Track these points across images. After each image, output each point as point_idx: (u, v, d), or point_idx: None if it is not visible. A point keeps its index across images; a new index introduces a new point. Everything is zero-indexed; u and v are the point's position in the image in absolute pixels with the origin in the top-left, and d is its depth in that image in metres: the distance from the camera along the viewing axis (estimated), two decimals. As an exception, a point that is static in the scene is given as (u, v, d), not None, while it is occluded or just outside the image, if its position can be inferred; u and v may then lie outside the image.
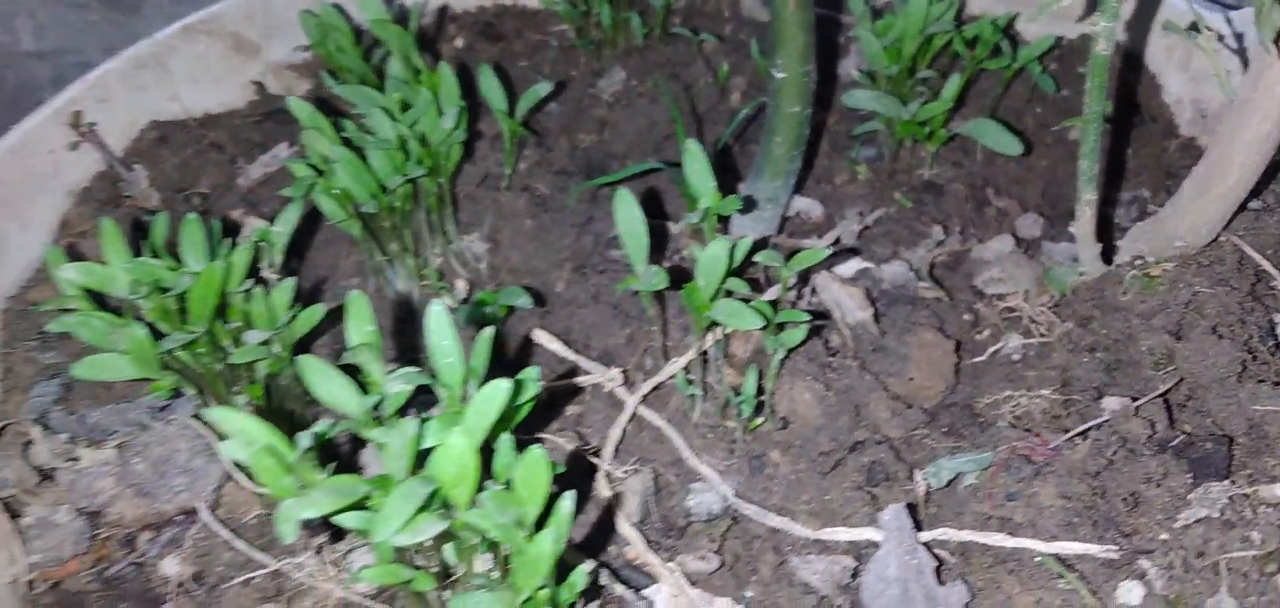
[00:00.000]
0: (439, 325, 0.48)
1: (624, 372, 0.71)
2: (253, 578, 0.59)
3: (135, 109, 0.87)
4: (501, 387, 0.43)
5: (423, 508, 0.43)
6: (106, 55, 0.87)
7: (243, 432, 0.43)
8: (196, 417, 0.63)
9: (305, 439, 0.44)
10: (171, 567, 0.60)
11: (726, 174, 0.88)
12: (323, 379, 0.49)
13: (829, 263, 0.76)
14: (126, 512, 0.61)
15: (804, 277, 0.75)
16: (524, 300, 0.74)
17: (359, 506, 0.46)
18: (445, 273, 0.80)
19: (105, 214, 0.82)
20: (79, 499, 0.62)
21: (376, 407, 0.48)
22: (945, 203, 0.85)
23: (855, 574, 0.59)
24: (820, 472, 0.64)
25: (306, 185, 0.69)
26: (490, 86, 0.82)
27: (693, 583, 0.60)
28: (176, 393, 0.62)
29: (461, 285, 0.79)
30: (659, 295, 0.71)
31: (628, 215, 0.63)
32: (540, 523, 0.44)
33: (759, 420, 0.66)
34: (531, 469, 0.43)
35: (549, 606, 0.45)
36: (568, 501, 0.43)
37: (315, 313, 0.59)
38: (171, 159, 0.87)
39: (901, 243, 0.80)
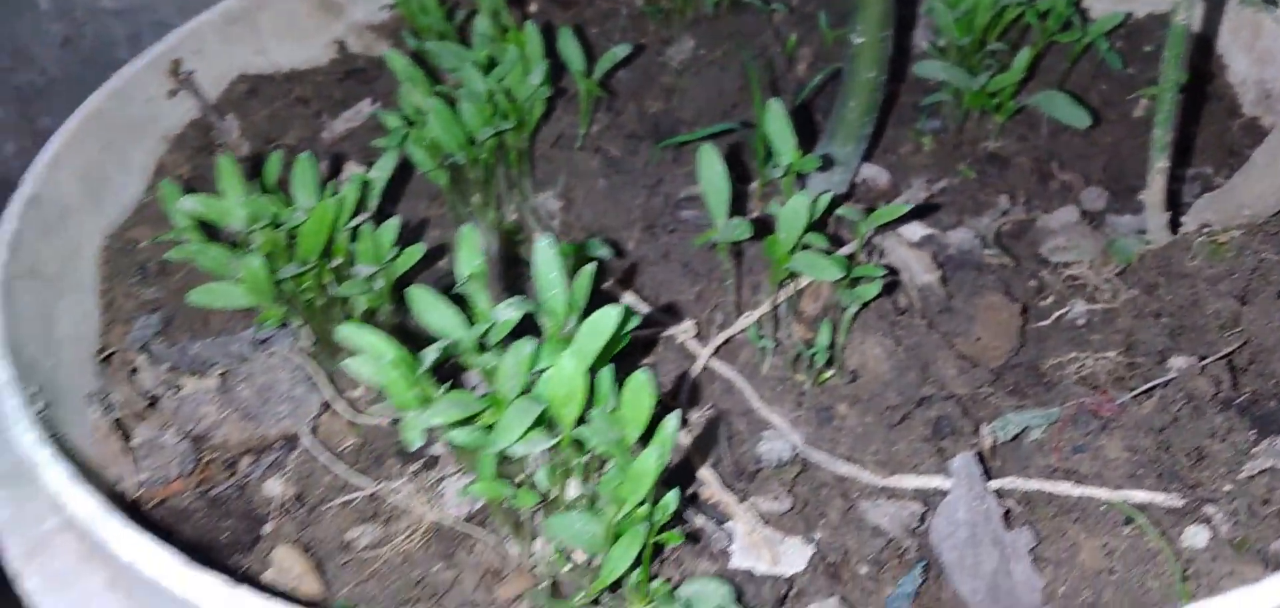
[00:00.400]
0: (546, 259, 0.51)
1: (696, 324, 0.74)
2: (351, 500, 0.62)
3: (226, 62, 0.91)
4: (611, 314, 0.46)
5: (535, 425, 0.46)
6: (181, 15, 0.91)
7: (373, 347, 0.46)
8: (312, 348, 0.67)
9: (430, 355, 0.47)
10: (275, 488, 0.63)
11: (798, 137, 0.90)
12: (431, 307, 0.52)
13: (896, 227, 0.78)
14: (232, 435, 0.65)
15: (872, 240, 0.77)
16: (603, 252, 0.77)
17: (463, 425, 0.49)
18: (522, 227, 0.83)
19: (199, 160, 0.86)
20: (184, 423, 0.66)
21: (483, 335, 0.51)
22: (1009, 175, 0.86)
23: (923, 519, 0.62)
24: (887, 424, 0.67)
25: (401, 135, 0.72)
26: (569, 48, 0.85)
27: (765, 523, 0.62)
28: (283, 325, 0.65)
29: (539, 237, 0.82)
30: (735, 252, 0.74)
31: (711, 170, 0.65)
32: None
33: (829, 374, 0.68)
34: (635, 393, 0.46)
35: (645, 522, 0.48)
36: (672, 421, 0.46)
37: (416, 251, 0.62)
38: (261, 111, 0.91)
39: (966, 211, 0.82)
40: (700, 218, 0.84)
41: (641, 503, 0.47)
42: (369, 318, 0.67)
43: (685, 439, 0.66)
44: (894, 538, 0.61)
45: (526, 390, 0.48)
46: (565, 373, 0.46)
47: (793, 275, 0.68)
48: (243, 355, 0.70)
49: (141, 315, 0.74)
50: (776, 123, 0.67)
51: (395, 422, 0.66)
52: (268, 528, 0.61)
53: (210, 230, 0.65)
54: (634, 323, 0.49)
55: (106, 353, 0.71)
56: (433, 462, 0.65)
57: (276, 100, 0.92)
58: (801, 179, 0.75)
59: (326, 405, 0.67)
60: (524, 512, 0.57)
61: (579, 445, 0.48)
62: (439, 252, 0.76)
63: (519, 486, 0.52)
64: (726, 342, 0.73)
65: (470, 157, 0.74)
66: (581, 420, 0.48)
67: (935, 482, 0.62)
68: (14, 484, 0.56)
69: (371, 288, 0.62)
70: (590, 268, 0.52)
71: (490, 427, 0.49)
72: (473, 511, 0.62)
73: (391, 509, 0.63)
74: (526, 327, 0.53)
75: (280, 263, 0.62)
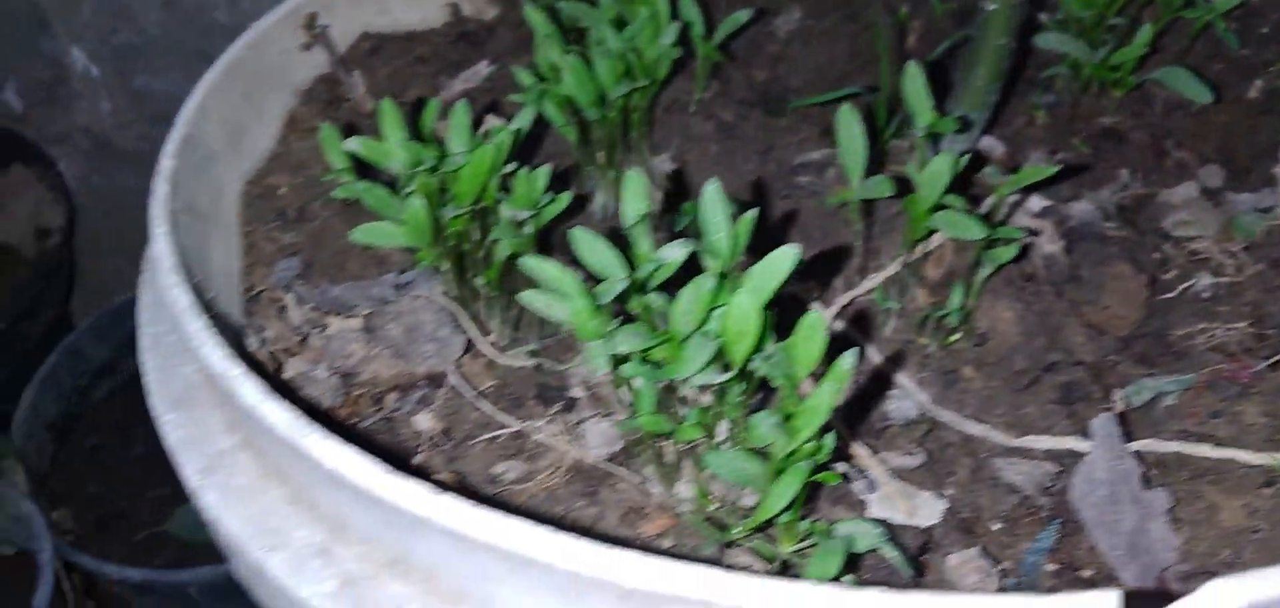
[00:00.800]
0: (713, 200, 0.52)
1: (817, 286, 0.75)
2: (497, 437, 0.65)
3: (351, 20, 0.94)
4: (789, 253, 0.48)
5: (711, 361, 0.48)
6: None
7: (558, 278, 0.48)
8: (455, 292, 0.69)
9: (613, 287, 0.48)
10: (424, 422, 0.65)
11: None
12: (592, 247, 0.54)
13: (1017, 197, 0.79)
14: (381, 372, 0.67)
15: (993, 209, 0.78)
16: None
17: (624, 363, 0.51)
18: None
19: (328, 114, 0.89)
20: (333, 359, 0.69)
21: (649, 275, 0.53)
22: (1125, 151, 0.87)
23: (1056, 479, 0.62)
24: (1014, 388, 0.68)
25: (538, 90, 0.74)
26: (690, 11, 0.86)
27: (896, 477, 0.64)
28: (435, 269, 0.67)
29: (659, 197, 0.84)
30: (865, 212, 0.75)
31: (849, 130, 0.66)
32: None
33: (955, 337, 0.70)
34: (807, 331, 0.48)
35: (808, 460, 0.49)
36: (849, 358, 0.47)
37: (564, 198, 0.64)
38: (383, 69, 0.93)
39: (1084, 185, 0.83)
40: (815, 183, 0.86)
41: (809, 439, 0.48)
42: (510, 264, 0.70)
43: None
44: (1028, 496, 0.62)
45: (699, 328, 0.49)
46: (742, 309, 0.47)
47: (923, 238, 0.69)
48: (384, 298, 0.72)
49: (282, 259, 0.76)
50: (914, 84, 0.68)
51: (537, 365, 0.68)
52: (418, 460, 0.64)
53: (364, 174, 0.67)
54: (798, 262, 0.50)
55: (253, 291, 0.73)
56: (571, 404, 0.67)
57: (397, 59, 0.95)
58: (935, 142, 0.76)
59: (469, 347, 0.69)
60: (669, 453, 0.59)
61: (748, 381, 0.50)
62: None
63: (680, 422, 0.54)
64: (849, 304, 0.74)
65: (600, 115, 0.76)
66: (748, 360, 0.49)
67: (1068, 443, 0.63)
68: (187, 407, 0.59)
69: (521, 233, 0.64)
70: (754, 212, 0.54)
71: (658, 363, 0.51)
72: (614, 451, 0.64)
73: (535, 447, 0.65)
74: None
75: (435, 207, 0.63)
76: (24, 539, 1.19)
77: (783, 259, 0.48)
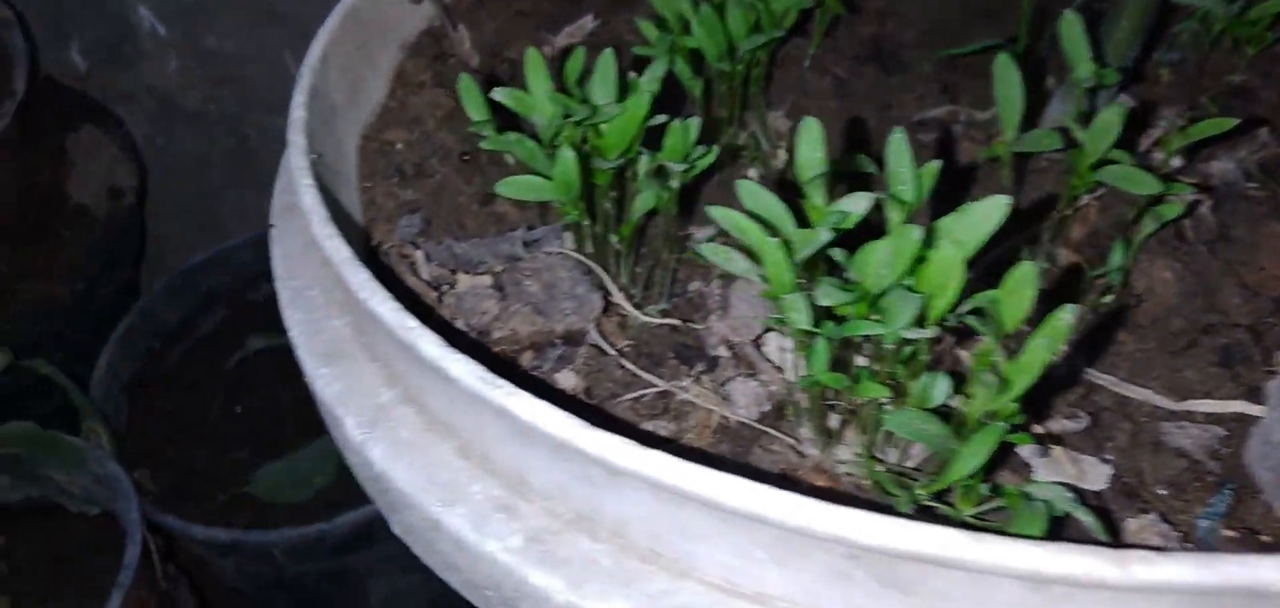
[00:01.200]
0: (898, 151, 0.50)
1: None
2: (642, 396, 0.63)
3: (455, -28, 0.92)
4: (1000, 203, 0.46)
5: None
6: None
7: (747, 230, 0.46)
8: (589, 248, 0.67)
9: (820, 237, 0.47)
10: (567, 380, 0.64)
11: (1038, 65, 0.88)
12: (758, 199, 0.52)
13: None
14: (520, 329, 0.66)
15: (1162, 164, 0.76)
16: (873, 168, 0.76)
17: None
18: (752, 147, 0.83)
19: (436, 68, 0.87)
20: (468, 317, 0.67)
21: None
22: (1257, 109, 0.84)
23: (1225, 442, 0.60)
24: (1171, 351, 0.65)
25: (668, 41, 0.72)
26: (810, -37, 0.84)
27: (1057, 441, 0.62)
28: (575, 225, 0.65)
29: (782, 156, 0.82)
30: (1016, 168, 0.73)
31: (1007, 80, 0.64)
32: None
33: (1108, 298, 0.67)
34: (1018, 283, 0.46)
35: (1005, 422, 0.47)
36: (1067, 313, 0.45)
37: (712, 153, 0.62)
38: (488, 23, 0.91)
39: (1220, 145, 0.80)
40: (938, 140, 0.83)
41: (1014, 398, 0.46)
42: (645, 225, 0.68)
43: (967, 357, 0.65)
44: (1198, 461, 0.60)
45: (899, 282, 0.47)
46: (945, 261, 0.45)
47: (1076, 196, 0.67)
48: (513, 255, 0.70)
49: (403, 215, 0.75)
50: (1072, 32, 0.66)
51: (673, 328, 0.67)
52: (564, 419, 0.62)
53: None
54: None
55: (378, 247, 0.72)
56: (713, 363, 0.66)
57: (501, 14, 0.92)
58: (1091, 95, 0.74)
59: (606, 306, 0.67)
60: (827, 412, 0.58)
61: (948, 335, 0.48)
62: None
63: (855, 380, 0.52)
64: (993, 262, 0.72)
65: (728, 68, 0.74)
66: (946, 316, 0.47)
67: (1236, 407, 0.61)
68: (339, 361, 0.58)
69: (665, 187, 0.62)
70: (938, 163, 0.52)
71: (844, 319, 0.49)
72: (763, 411, 0.62)
73: (680, 407, 0.63)
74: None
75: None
76: (107, 500, 1.19)
77: (991, 210, 0.46)
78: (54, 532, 1.22)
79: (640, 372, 0.64)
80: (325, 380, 0.56)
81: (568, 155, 0.59)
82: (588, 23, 0.93)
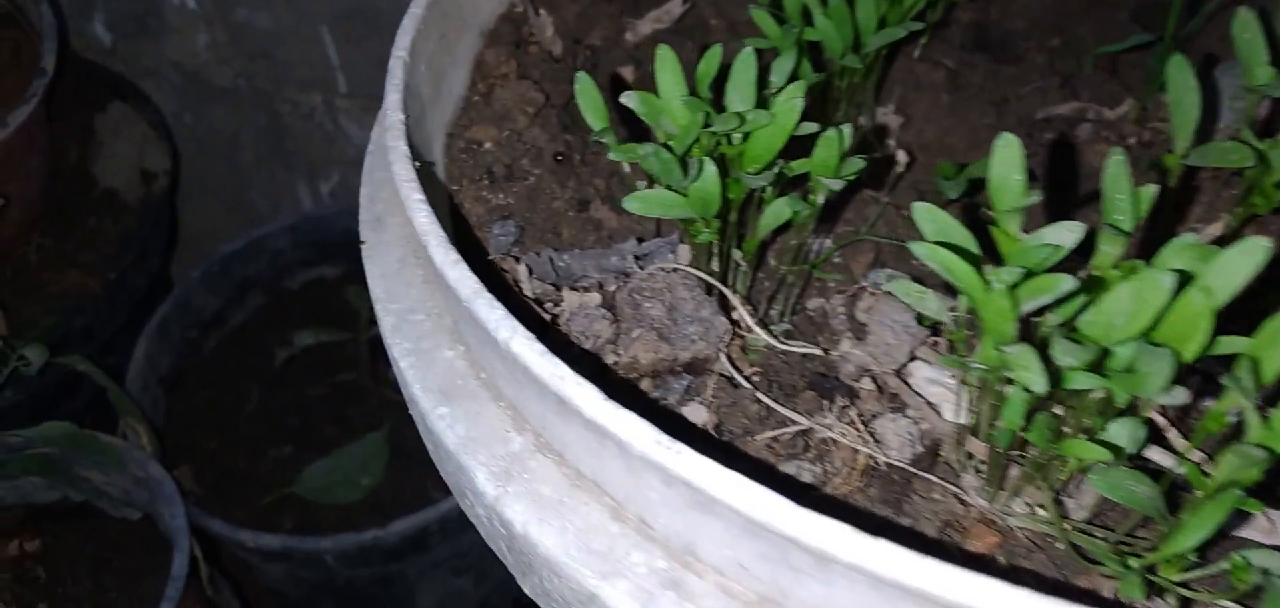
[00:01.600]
0: (1118, 171, 0.44)
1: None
2: (780, 434, 0.57)
3: (533, -48, 0.85)
4: (1257, 246, 0.40)
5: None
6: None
7: (955, 268, 0.40)
8: (712, 265, 0.61)
9: (1064, 285, 0.41)
10: (697, 414, 0.58)
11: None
12: (936, 222, 0.46)
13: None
14: (640, 355, 0.60)
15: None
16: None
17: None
18: (870, 141, 0.77)
19: (517, 57, 0.80)
20: (579, 340, 0.61)
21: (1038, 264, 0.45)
22: None
23: None
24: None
25: (795, 34, 0.65)
26: (930, -54, 0.77)
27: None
28: (710, 243, 0.59)
29: (902, 155, 0.75)
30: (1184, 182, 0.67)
31: (1182, 82, 0.58)
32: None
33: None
34: (1277, 333, 0.40)
35: (1239, 487, 0.42)
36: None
37: (862, 163, 0.56)
38: (570, 8, 0.85)
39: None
40: (1066, 139, 0.77)
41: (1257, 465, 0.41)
42: (769, 241, 0.62)
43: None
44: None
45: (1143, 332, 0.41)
46: (1192, 313, 0.39)
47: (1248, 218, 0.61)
48: (623, 270, 0.64)
49: (495, 221, 0.69)
50: (1248, 33, 0.59)
51: (809, 356, 0.61)
52: (698, 460, 0.56)
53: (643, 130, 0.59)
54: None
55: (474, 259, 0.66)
56: (852, 395, 0.60)
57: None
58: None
59: (732, 329, 0.61)
60: (1003, 460, 0.52)
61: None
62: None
63: (1055, 435, 0.46)
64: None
65: (851, 63, 0.68)
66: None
67: None
68: (458, 399, 0.52)
69: (812, 201, 0.56)
70: (1155, 187, 0.45)
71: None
72: (917, 453, 0.57)
73: (820, 445, 0.57)
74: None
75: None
76: (148, 503, 1.13)
77: (1247, 255, 0.40)
78: (91, 534, 1.16)
79: (776, 405, 0.58)
80: (445, 423, 0.50)
81: (711, 170, 0.53)
82: (675, 7, 0.86)
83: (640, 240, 0.66)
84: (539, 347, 0.44)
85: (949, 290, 0.46)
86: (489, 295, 0.47)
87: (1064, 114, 0.79)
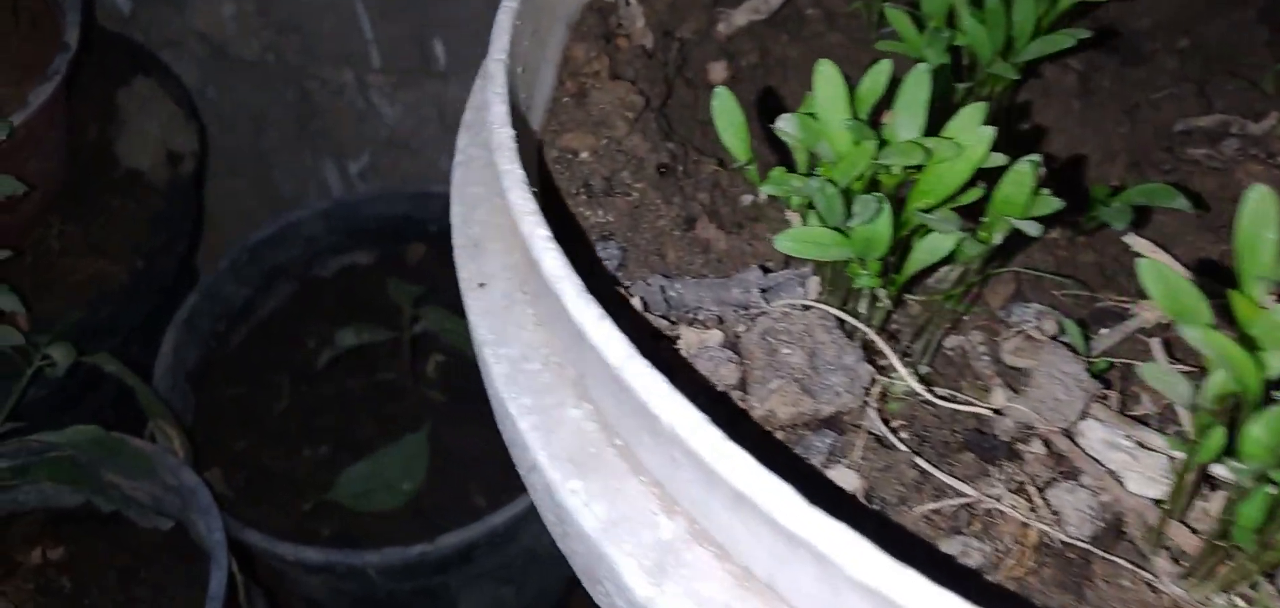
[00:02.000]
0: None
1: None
2: (942, 506, 0.51)
3: (620, -66, 0.77)
4: None
5: None
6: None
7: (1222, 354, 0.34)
8: (860, 306, 0.54)
9: None
10: (845, 479, 0.51)
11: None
12: (1163, 284, 0.40)
13: None
14: (778, 408, 0.53)
15: None
16: (1174, 199, 0.62)
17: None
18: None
19: (608, 53, 0.73)
20: (706, 383, 0.54)
21: None
22: None
23: None
24: None
25: (944, 40, 0.58)
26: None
27: None
28: (860, 292, 0.52)
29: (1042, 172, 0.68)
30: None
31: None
32: None
33: None
34: None
35: None
36: None
37: (1052, 202, 0.48)
38: (662, -4, 0.77)
39: None
40: (1213, 158, 0.70)
41: None
42: (913, 284, 0.55)
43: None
44: None
45: None
46: None
47: None
48: (746, 304, 0.57)
49: (597, 243, 0.61)
50: None
51: (953, 406, 0.54)
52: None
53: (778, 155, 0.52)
54: None
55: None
56: (1014, 456, 0.53)
57: (674, -18, 0.78)
58: None
59: (876, 379, 0.55)
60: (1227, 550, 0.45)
61: None
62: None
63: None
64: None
65: (1004, 71, 0.60)
66: None
67: None
68: (594, 471, 0.45)
69: (988, 241, 0.49)
70: None
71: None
72: (1098, 530, 0.50)
73: (985, 516, 0.51)
74: None
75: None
76: (179, 510, 1.06)
77: None
78: (118, 541, 1.10)
79: (933, 469, 0.52)
80: (580, 500, 0.43)
81: (886, 210, 0.46)
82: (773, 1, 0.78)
83: (765, 269, 0.59)
84: (717, 434, 0.37)
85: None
86: (644, 362, 0.40)
87: (1205, 127, 0.71)
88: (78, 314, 1.08)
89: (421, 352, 1.27)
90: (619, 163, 0.65)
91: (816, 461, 0.52)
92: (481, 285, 0.54)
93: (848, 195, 0.47)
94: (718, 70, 0.76)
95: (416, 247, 1.38)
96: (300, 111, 1.48)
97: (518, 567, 1.19)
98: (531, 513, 1.10)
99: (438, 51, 1.37)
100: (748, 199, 0.68)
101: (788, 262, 0.60)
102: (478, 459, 1.23)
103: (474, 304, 0.54)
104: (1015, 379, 0.58)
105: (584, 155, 0.65)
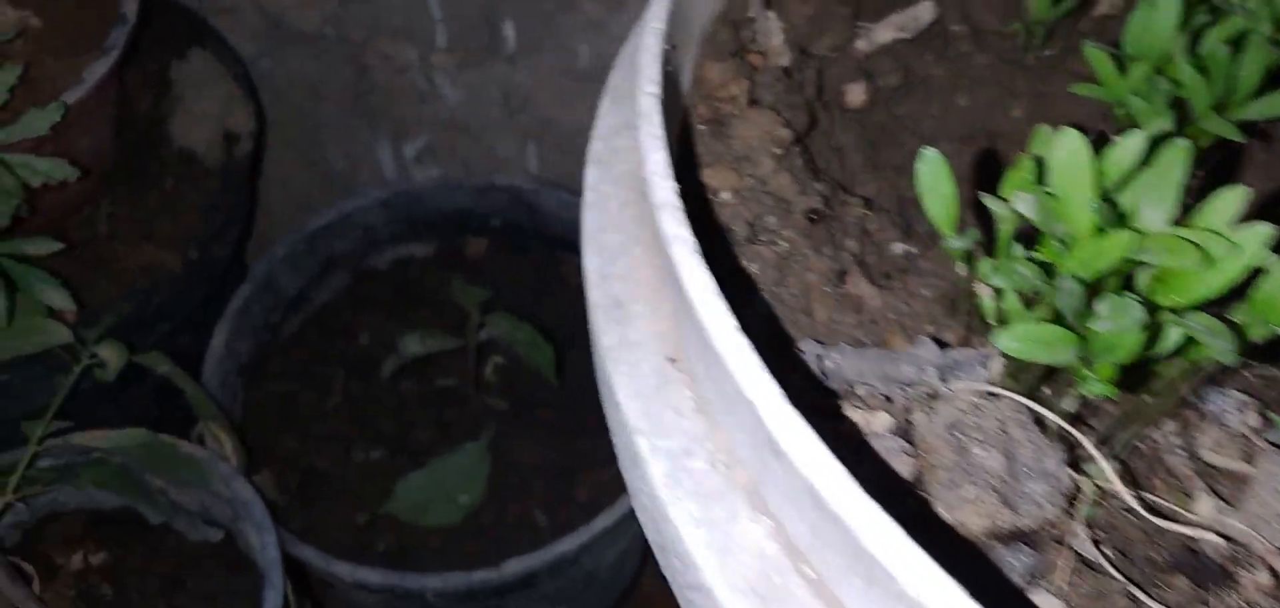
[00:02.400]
0: None
1: None
2: (1166, 647, 0.44)
3: (754, -63, 0.69)
4: None
5: None
6: None
7: None
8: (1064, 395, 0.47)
9: None
10: (1047, 604, 0.44)
11: None
12: None
13: None
14: (973, 522, 0.46)
15: None
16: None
17: None
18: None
19: (743, 73, 0.65)
20: (879, 477, 0.47)
21: None
22: None
23: None
24: None
25: (1166, 95, 0.50)
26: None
27: None
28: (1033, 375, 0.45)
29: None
30: None
31: None
32: None
33: None
34: None
35: None
36: None
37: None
38: (801, 9, 0.69)
39: None
40: None
41: None
42: (1143, 377, 0.48)
43: None
44: None
45: None
46: None
47: None
48: (919, 382, 0.50)
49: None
50: None
51: (1156, 517, 0.47)
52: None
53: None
54: None
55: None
56: (1229, 580, 0.46)
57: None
58: None
59: (1079, 487, 0.47)
60: None
61: None
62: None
63: None
64: None
65: (1221, 129, 0.53)
66: None
67: None
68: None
69: (1234, 345, 0.42)
70: None
71: None
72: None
73: (1214, 662, 0.44)
74: None
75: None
76: (229, 520, 1.01)
77: None
78: (162, 547, 1.04)
79: (1148, 600, 0.45)
80: (718, 575, 0.37)
81: (1136, 314, 0.38)
82: (924, 12, 0.70)
83: (940, 344, 0.52)
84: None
85: None
86: (861, 492, 0.33)
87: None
88: (127, 308, 1.01)
89: (482, 356, 1.20)
90: (764, 206, 0.58)
91: (1015, 579, 0.45)
92: (626, 355, 0.47)
93: (1093, 290, 0.39)
94: (856, 93, 0.69)
95: (477, 241, 1.31)
96: (357, 88, 1.41)
97: (577, 590, 1.13)
98: (598, 539, 1.04)
99: (508, 34, 1.30)
100: (899, 248, 0.61)
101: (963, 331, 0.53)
102: (537, 471, 1.16)
103: (619, 376, 0.47)
104: (1218, 482, 0.51)
105: (725, 195, 0.58)
